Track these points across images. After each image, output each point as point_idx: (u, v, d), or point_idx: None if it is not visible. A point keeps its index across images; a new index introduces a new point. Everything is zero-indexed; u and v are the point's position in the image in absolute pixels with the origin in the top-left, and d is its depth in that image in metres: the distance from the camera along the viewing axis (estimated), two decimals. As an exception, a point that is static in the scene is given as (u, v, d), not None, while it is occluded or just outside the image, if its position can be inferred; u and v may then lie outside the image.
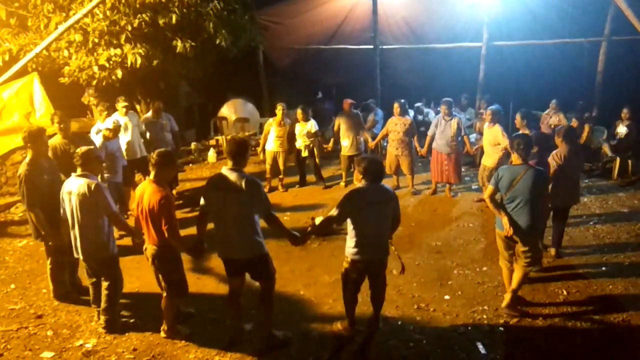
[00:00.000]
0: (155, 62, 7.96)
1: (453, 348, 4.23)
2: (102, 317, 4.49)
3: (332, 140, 8.71)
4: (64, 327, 4.68)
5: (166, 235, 3.94)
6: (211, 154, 10.77)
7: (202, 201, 3.98)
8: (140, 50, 7.64)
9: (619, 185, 8.33)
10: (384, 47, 11.76)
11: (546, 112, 9.45)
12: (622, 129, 8.70)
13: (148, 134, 7.88)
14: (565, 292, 5.04)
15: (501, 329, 4.47)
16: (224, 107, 11.77)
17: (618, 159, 8.66)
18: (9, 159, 8.83)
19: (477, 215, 7.21)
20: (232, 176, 3.78)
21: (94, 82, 8.09)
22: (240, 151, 3.88)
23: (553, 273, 5.44)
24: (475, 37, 11.01)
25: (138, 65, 7.65)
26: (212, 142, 11.46)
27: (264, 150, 8.45)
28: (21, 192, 4.76)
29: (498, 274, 5.45)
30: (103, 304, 4.45)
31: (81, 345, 4.38)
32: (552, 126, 8.88)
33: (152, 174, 4.01)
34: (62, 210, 4.35)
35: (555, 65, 10.98)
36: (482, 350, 4.18)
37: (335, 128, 8.50)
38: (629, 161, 8.67)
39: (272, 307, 4.19)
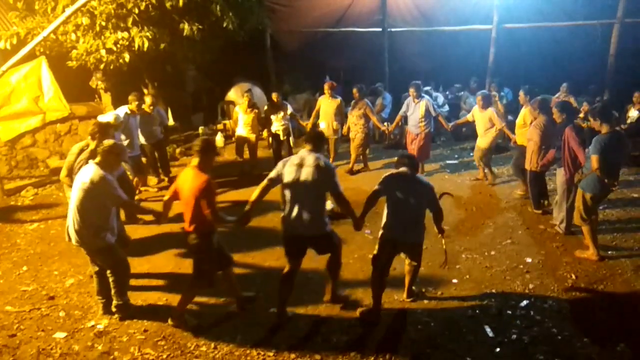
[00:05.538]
0: (162, 46, 7.92)
1: (461, 331, 4.25)
2: (114, 302, 4.51)
3: (311, 120, 8.83)
4: (76, 308, 4.75)
5: (209, 217, 4.05)
6: (219, 138, 10.75)
7: (272, 174, 4.21)
8: (148, 34, 7.59)
9: (629, 169, 8.24)
10: (393, 29, 11.62)
11: (556, 95, 9.33)
12: (633, 113, 8.59)
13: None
14: (574, 276, 5.04)
15: (509, 312, 4.48)
16: (231, 91, 11.70)
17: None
18: (18, 143, 8.88)
19: (486, 200, 7.19)
20: (310, 157, 4.11)
21: (102, 66, 8.07)
22: (320, 139, 4.36)
23: (562, 257, 5.44)
24: (485, 19, 10.84)
25: (145, 49, 7.61)
26: (220, 126, 11.43)
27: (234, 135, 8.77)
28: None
29: (506, 258, 5.47)
30: (112, 289, 4.48)
31: (93, 326, 4.45)
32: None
33: (196, 160, 4.10)
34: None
35: (567, 48, 10.84)
36: (490, 334, 4.19)
37: (316, 108, 8.67)
38: (640, 145, 8.58)
39: (338, 273, 4.57)
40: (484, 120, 7.45)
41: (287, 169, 4.14)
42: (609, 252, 5.49)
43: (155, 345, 4.16)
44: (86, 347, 4.17)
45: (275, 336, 4.24)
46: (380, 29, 11.53)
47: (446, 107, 10.68)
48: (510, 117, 9.09)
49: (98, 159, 4.28)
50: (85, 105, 9.62)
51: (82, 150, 5.34)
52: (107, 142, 4.38)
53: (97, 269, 4.50)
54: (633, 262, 5.26)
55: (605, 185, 5.10)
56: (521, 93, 7.25)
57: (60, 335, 4.34)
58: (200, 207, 4.02)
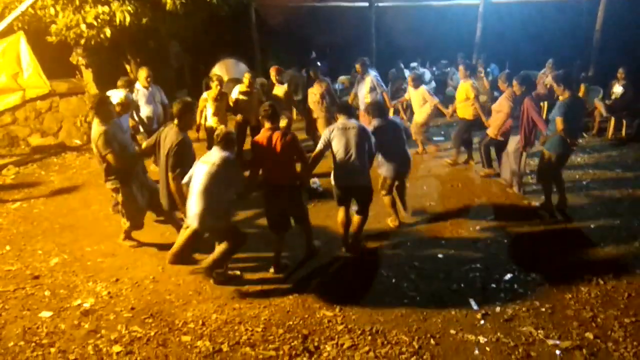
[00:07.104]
0: (144, 20, 7.75)
1: (446, 305, 4.31)
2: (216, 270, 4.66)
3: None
4: (61, 287, 4.72)
5: (302, 166, 4.83)
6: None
7: (321, 145, 4.91)
8: (129, 8, 7.42)
9: (613, 145, 8.35)
10: (380, 4, 11.49)
11: (542, 71, 9.36)
12: (617, 89, 8.67)
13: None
14: (557, 251, 5.12)
15: (493, 285, 4.56)
16: (216, 67, 11.49)
17: (613, 119, 8.66)
18: (-3, 121, 8.71)
19: (471, 177, 7.24)
20: (351, 121, 4.96)
21: (82, 41, 7.88)
22: (348, 107, 5.22)
23: (545, 232, 5.53)
24: (473, -6, 10.79)
25: (127, 24, 7.45)
26: (204, 103, 11.26)
27: (200, 127, 7.36)
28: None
29: (490, 232, 5.55)
30: (216, 255, 4.52)
31: (79, 304, 4.43)
32: (548, 86, 8.80)
33: (268, 124, 4.64)
34: (187, 177, 4.45)
35: (553, 23, 10.83)
36: (475, 307, 4.26)
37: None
38: (624, 121, 8.67)
39: (362, 226, 5.20)
40: (417, 98, 7.85)
41: (334, 134, 4.87)
42: (592, 226, 5.59)
43: (142, 323, 4.17)
44: (73, 326, 4.16)
45: (262, 312, 4.27)
46: (367, 4, 11.39)
47: (433, 84, 10.65)
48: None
49: (221, 145, 4.40)
50: (66, 82, 9.42)
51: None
52: (223, 129, 4.52)
53: None
54: (614, 237, 5.35)
55: (568, 145, 5.55)
56: (461, 68, 7.53)
57: (46, 314, 4.32)
58: (290, 161, 4.66)
